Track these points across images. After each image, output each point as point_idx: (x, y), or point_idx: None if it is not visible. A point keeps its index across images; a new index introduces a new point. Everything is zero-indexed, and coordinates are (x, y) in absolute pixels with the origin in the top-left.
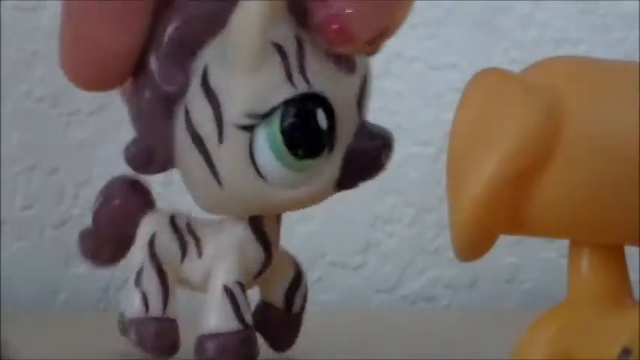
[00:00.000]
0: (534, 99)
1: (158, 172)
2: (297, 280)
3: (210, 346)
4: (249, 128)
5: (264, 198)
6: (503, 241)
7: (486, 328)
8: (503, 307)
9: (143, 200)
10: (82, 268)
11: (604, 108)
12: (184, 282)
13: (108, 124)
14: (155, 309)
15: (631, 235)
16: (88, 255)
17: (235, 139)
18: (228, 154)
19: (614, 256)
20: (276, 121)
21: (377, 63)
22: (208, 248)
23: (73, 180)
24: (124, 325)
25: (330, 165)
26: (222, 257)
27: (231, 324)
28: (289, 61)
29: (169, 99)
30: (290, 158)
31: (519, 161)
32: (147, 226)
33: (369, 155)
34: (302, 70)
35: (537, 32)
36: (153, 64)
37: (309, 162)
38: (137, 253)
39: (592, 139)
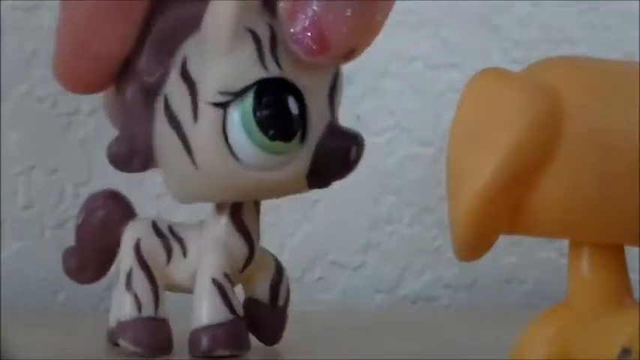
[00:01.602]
0: (534, 99)
1: (139, 169)
2: (279, 275)
3: (205, 339)
4: (222, 106)
5: (237, 178)
6: (503, 241)
7: (486, 328)
8: (503, 307)
9: (125, 210)
10: None
11: (604, 108)
12: (172, 287)
13: (108, 124)
14: (147, 309)
15: (631, 235)
16: (73, 273)
17: (209, 116)
18: (202, 132)
19: (614, 256)
20: (249, 101)
21: (377, 63)
22: (192, 247)
23: (73, 180)
24: (116, 330)
25: (302, 155)
26: (207, 253)
27: (222, 315)
28: (262, 45)
29: (150, 91)
30: (261, 138)
31: (519, 161)
32: (130, 233)
33: (338, 153)
34: (275, 56)
35: (537, 32)
36: (138, 61)
37: (279, 144)
38: (125, 260)
39: (592, 138)
